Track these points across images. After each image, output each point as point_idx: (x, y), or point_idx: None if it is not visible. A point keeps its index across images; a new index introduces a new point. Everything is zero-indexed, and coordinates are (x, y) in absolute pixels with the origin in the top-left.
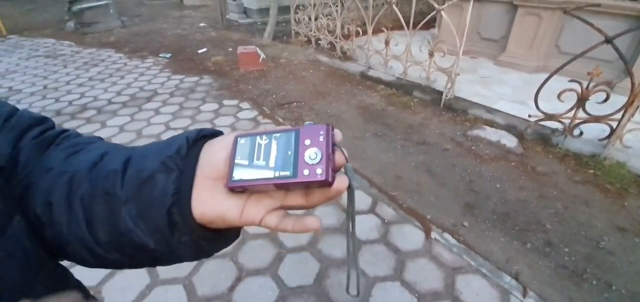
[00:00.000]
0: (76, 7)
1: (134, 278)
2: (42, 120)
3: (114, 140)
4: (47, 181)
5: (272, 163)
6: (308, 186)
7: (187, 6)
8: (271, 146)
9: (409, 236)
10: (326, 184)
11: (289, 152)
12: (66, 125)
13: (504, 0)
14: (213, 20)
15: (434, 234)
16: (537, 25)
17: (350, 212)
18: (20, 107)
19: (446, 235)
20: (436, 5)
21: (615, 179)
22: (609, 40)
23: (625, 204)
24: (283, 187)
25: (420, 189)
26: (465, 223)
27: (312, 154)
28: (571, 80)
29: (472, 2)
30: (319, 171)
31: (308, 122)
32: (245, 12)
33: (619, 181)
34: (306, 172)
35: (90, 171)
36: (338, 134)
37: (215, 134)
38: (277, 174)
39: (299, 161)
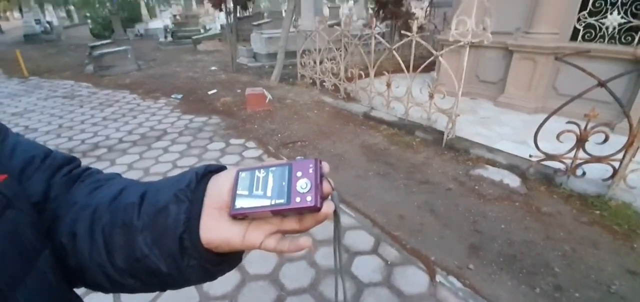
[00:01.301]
0: (97, 52)
1: None
2: (71, 160)
3: None
4: (73, 213)
5: (269, 193)
6: (300, 212)
7: (201, 51)
8: (268, 178)
9: (413, 278)
10: (315, 209)
11: (284, 183)
12: None
13: (500, 46)
14: (224, 64)
15: (438, 277)
16: (533, 69)
17: (337, 234)
18: None
19: (451, 278)
20: (434, 52)
21: (622, 220)
22: (602, 84)
23: (635, 246)
24: (279, 213)
25: (423, 229)
26: (471, 265)
27: (303, 184)
28: (569, 122)
29: (468, 49)
30: (309, 198)
31: (299, 157)
32: (255, 56)
33: (626, 222)
34: (298, 199)
35: (111, 204)
36: (325, 167)
37: (220, 169)
38: (273, 202)
39: (292, 190)
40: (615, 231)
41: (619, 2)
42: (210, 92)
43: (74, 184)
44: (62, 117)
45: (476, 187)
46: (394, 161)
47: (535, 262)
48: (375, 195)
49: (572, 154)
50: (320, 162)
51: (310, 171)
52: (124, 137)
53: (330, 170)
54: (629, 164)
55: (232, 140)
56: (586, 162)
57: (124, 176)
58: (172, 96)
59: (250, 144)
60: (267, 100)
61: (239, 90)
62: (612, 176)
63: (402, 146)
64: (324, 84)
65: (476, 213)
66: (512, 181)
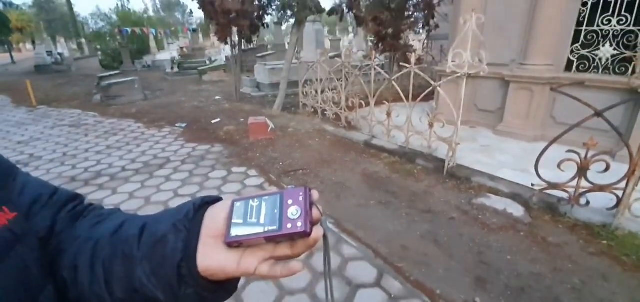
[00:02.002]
0: (105, 83)
1: None
2: (76, 197)
3: (123, 207)
4: (75, 247)
5: (262, 220)
6: (292, 238)
7: (206, 81)
8: (261, 207)
9: None
10: (305, 234)
11: (276, 211)
12: (79, 191)
13: (496, 76)
14: (228, 94)
15: None
16: (530, 99)
17: (326, 258)
18: (38, 173)
19: None
20: (432, 83)
21: (630, 250)
22: (598, 114)
23: None
24: (272, 239)
25: (427, 260)
26: (478, 299)
27: (293, 211)
28: (569, 150)
29: (465, 80)
30: (299, 224)
31: (290, 186)
32: (258, 86)
33: (635, 252)
34: (289, 226)
35: (112, 237)
36: (315, 194)
37: (217, 200)
38: (266, 229)
39: (283, 217)
40: (624, 262)
41: (610, 35)
42: (213, 121)
43: (77, 220)
44: (67, 146)
45: (479, 216)
46: (396, 189)
47: (544, 296)
48: (378, 224)
49: (574, 183)
50: (310, 190)
51: (301, 198)
52: (126, 165)
53: (331, 198)
54: (632, 193)
55: (234, 169)
56: (589, 191)
57: (125, 204)
58: (176, 125)
59: (252, 172)
60: (269, 129)
61: (242, 119)
62: (617, 205)
63: (403, 174)
64: (326, 113)
65: (481, 243)
66: (516, 210)
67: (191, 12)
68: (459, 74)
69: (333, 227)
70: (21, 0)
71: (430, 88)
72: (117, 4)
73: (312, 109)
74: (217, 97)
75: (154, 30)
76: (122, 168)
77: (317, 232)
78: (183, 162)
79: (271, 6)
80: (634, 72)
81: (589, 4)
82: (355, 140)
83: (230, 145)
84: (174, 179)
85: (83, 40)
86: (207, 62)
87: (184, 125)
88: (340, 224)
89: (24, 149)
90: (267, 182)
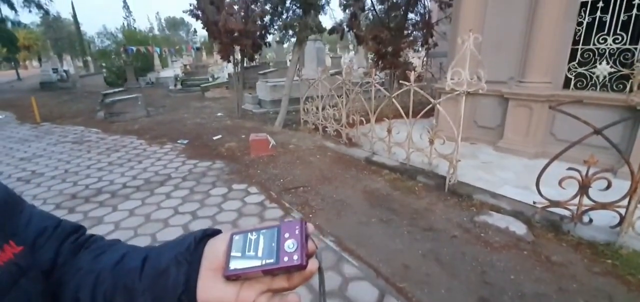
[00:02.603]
0: (109, 99)
1: None
2: (79, 229)
3: (123, 224)
4: (77, 279)
5: (260, 253)
6: (289, 270)
7: (208, 98)
8: (259, 240)
9: None
10: (302, 267)
11: (273, 244)
12: (80, 209)
13: (495, 93)
14: (230, 110)
15: None
16: (529, 115)
17: (321, 289)
18: (39, 190)
19: None
20: (432, 100)
21: (635, 269)
22: (598, 132)
23: None
24: (269, 272)
25: (430, 280)
26: None
27: (290, 244)
28: (570, 168)
29: (464, 97)
30: (295, 257)
31: (288, 219)
32: (260, 103)
33: None
34: (286, 258)
35: (113, 269)
36: (310, 227)
37: (216, 232)
38: (263, 262)
39: (280, 250)
40: (629, 282)
41: (607, 53)
42: (215, 138)
43: (79, 251)
44: (69, 162)
45: (482, 234)
46: (397, 206)
47: None
48: (379, 243)
49: (576, 201)
50: (305, 223)
51: (297, 231)
52: (127, 182)
53: (332, 216)
54: (635, 211)
55: (235, 186)
56: (592, 208)
57: (125, 222)
58: (178, 141)
59: (253, 189)
60: (270, 146)
61: (243, 136)
62: (620, 223)
63: (404, 191)
64: (326, 129)
65: (484, 262)
66: (518, 228)
67: (195, 32)
68: (458, 92)
69: (334, 246)
70: (29, 19)
71: (430, 105)
72: (123, 23)
73: (313, 126)
74: (219, 114)
75: (158, 49)
76: (123, 185)
77: (313, 264)
78: (184, 179)
79: (273, 26)
80: (631, 89)
81: (584, 23)
82: (356, 156)
83: (231, 161)
84: (174, 196)
85: (89, 58)
86: (210, 79)
87: (185, 141)
88: (341, 242)
89: (26, 166)
90: (268, 199)
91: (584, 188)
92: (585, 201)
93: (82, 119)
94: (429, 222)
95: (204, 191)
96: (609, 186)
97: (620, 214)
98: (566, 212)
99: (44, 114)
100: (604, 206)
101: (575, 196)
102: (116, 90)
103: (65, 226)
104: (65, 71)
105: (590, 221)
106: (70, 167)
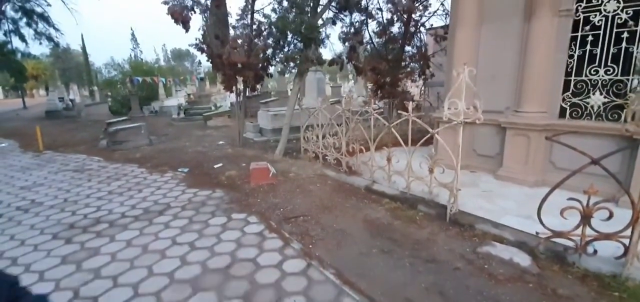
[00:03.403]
0: (112, 128)
1: None
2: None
3: (120, 256)
4: None
5: None
6: None
7: (210, 126)
8: None
9: None
10: None
11: None
12: (76, 239)
13: (493, 123)
14: (231, 139)
15: None
16: (527, 144)
17: None
18: (37, 219)
19: None
20: (430, 130)
21: None
22: (595, 162)
23: None
24: None
25: None
26: None
27: None
28: (570, 198)
29: (462, 127)
30: None
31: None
32: (261, 131)
33: None
34: None
35: None
36: None
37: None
38: None
39: None
40: None
41: (599, 84)
42: (216, 166)
43: None
44: (69, 191)
45: (485, 266)
46: (398, 236)
47: None
48: (380, 274)
49: (579, 231)
50: None
51: None
52: (126, 211)
53: (332, 246)
54: (638, 242)
55: (234, 215)
56: (595, 239)
57: (122, 253)
58: (179, 170)
59: (252, 218)
60: (270, 174)
61: (244, 164)
62: (624, 254)
63: (405, 221)
64: (327, 158)
65: (489, 296)
66: (523, 259)
67: (200, 63)
68: (455, 122)
69: (334, 278)
70: (39, 51)
71: (429, 135)
72: (131, 54)
73: (314, 154)
74: (220, 142)
75: (163, 79)
76: (122, 214)
77: None
78: (183, 208)
79: (275, 58)
80: (626, 119)
81: (575, 56)
82: (356, 185)
83: (231, 190)
84: (173, 226)
85: (95, 88)
86: (213, 108)
87: (186, 170)
88: (342, 274)
89: (26, 195)
90: (268, 229)
91: (586, 218)
92: (588, 231)
93: (84, 147)
94: (431, 253)
95: (203, 220)
96: (611, 216)
97: (624, 245)
98: (570, 243)
99: (47, 142)
100: (607, 237)
101: (578, 226)
102: (120, 119)
103: None
104: (71, 100)
105: (595, 252)
106: (69, 196)
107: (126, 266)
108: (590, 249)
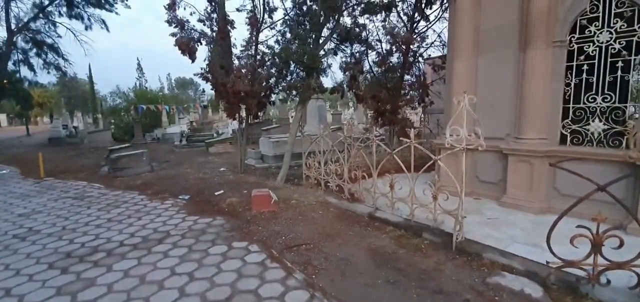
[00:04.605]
0: (114, 155)
1: None
2: None
3: (116, 287)
4: None
5: None
6: None
7: (212, 153)
8: None
9: None
10: None
11: None
12: (73, 269)
13: (494, 149)
14: (233, 165)
15: None
16: (530, 171)
17: None
18: (34, 248)
19: None
20: (433, 156)
21: None
22: (601, 189)
23: None
24: None
25: None
26: None
27: None
28: (579, 226)
29: (464, 154)
30: None
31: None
32: (262, 157)
33: None
34: None
35: None
36: None
37: None
38: None
39: None
40: None
41: (598, 111)
42: (217, 193)
43: None
44: (67, 219)
45: (496, 298)
46: (403, 266)
47: None
48: None
49: (591, 260)
50: None
51: None
52: (125, 240)
53: (336, 276)
54: None
55: (235, 244)
56: (608, 268)
57: (119, 284)
58: (179, 197)
59: (254, 247)
60: (272, 201)
61: (245, 191)
62: (638, 284)
63: (410, 250)
64: (329, 184)
65: None
66: (534, 290)
67: (203, 91)
68: (458, 148)
69: None
70: (46, 79)
71: (431, 161)
72: (136, 83)
73: (315, 181)
74: (222, 169)
75: (167, 107)
76: (120, 243)
77: None
78: (183, 236)
79: (278, 87)
80: (627, 145)
81: (572, 84)
82: (358, 212)
83: (232, 217)
84: (172, 255)
85: (99, 115)
86: (215, 135)
87: (187, 197)
88: None
89: (24, 222)
90: (269, 258)
91: (597, 247)
92: (600, 260)
93: (85, 174)
94: (438, 284)
95: (202, 249)
96: (621, 244)
97: (637, 274)
98: (581, 273)
99: (48, 169)
100: (619, 266)
101: (589, 255)
102: (123, 145)
103: None
104: (75, 127)
105: (608, 282)
106: (68, 224)
107: (123, 298)
108: (603, 279)
